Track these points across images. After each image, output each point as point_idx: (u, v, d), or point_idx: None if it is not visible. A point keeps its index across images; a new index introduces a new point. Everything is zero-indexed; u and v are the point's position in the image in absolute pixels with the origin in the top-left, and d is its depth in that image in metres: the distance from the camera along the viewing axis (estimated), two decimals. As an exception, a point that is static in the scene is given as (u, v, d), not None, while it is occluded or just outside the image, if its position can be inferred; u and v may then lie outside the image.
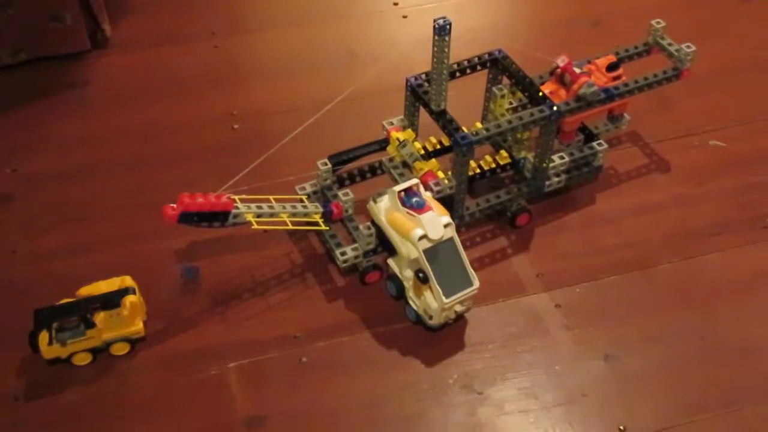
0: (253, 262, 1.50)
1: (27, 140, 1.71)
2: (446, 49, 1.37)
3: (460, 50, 1.54)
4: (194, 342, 1.39)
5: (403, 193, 1.35)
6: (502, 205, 1.53)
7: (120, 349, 1.36)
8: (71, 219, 1.57)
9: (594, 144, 1.57)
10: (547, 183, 1.55)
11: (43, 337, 1.31)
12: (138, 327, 1.35)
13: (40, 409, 1.31)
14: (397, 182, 1.43)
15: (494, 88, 1.53)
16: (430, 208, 1.34)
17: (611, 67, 1.57)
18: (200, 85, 1.85)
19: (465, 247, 1.51)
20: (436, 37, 1.35)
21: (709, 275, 1.50)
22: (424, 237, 1.32)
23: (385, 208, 1.38)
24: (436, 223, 1.33)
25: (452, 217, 1.46)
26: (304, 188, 1.53)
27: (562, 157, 1.54)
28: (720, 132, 1.73)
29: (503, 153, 1.56)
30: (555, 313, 1.44)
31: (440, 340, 1.40)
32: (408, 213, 1.34)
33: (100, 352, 1.35)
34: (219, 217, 1.34)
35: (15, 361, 1.35)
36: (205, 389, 1.33)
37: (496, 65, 1.54)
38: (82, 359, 1.34)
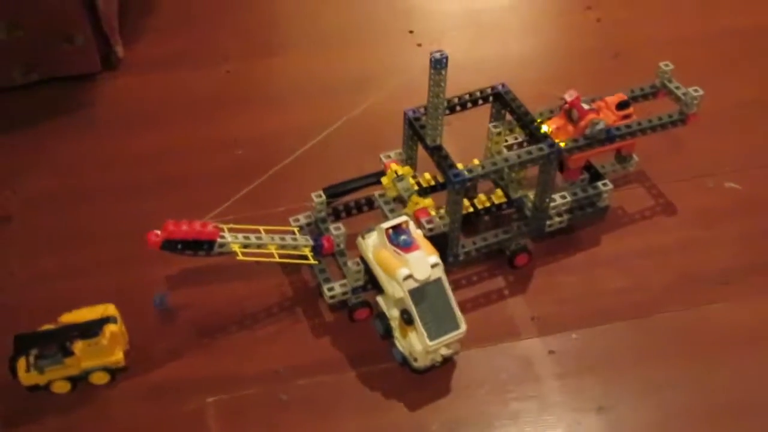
0: (243, 293, 1.48)
1: (29, 161, 1.72)
2: (443, 83, 1.33)
3: (472, 81, 1.51)
4: (176, 373, 1.37)
5: (391, 231, 1.32)
6: (501, 245, 1.49)
7: (100, 379, 1.34)
8: (68, 242, 1.56)
9: (599, 184, 1.51)
10: (548, 223, 1.50)
11: (22, 363, 1.30)
12: (118, 357, 1.33)
13: (17, 436, 1.30)
14: (387, 218, 1.40)
15: (490, 125, 1.49)
16: (417, 247, 1.30)
17: (621, 106, 1.51)
18: (208, 109, 1.84)
19: (460, 286, 1.49)
20: (433, 71, 1.31)
21: (713, 326, 1.43)
22: (410, 277, 1.29)
23: (373, 244, 1.35)
24: (423, 262, 1.29)
25: (446, 256, 1.43)
26: (297, 219, 1.50)
27: (564, 197, 1.49)
28: (736, 174, 1.66)
29: (498, 192, 1.51)
30: (547, 360, 1.39)
31: (426, 383, 1.36)
32: (395, 251, 1.30)
33: (79, 380, 1.34)
34: (204, 245, 1.32)
35: (-3, 386, 1.35)
36: (183, 425, 1.31)
37: (499, 99, 1.50)
38: (61, 387, 1.33)
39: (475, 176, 1.36)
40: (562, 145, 1.44)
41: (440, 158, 1.38)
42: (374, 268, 1.34)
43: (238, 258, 1.33)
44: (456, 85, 1.44)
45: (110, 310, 1.35)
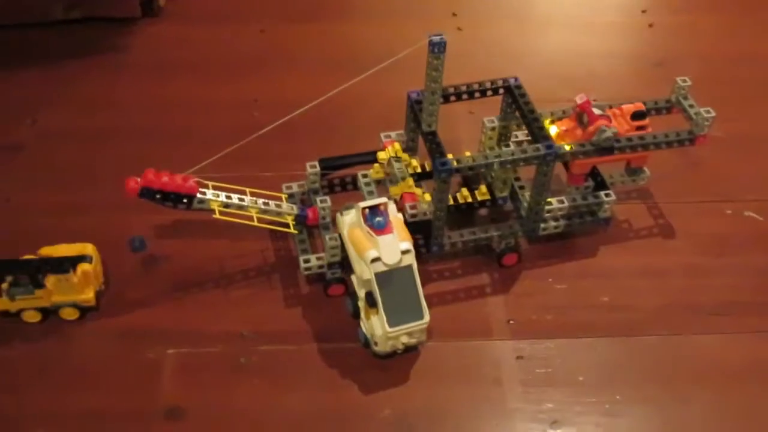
0: (226, 252, 1.48)
1: (55, 95, 1.76)
2: (440, 68, 1.29)
3: (504, 71, 1.47)
4: (143, 321, 1.38)
5: (367, 211, 1.29)
6: (489, 241, 1.45)
7: (69, 314, 1.37)
8: (70, 180, 1.59)
9: (602, 193, 1.45)
10: (543, 226, 1.45)
11: (-6, 288, 1.33)
12: (88, 296, 1.35)
13: (-20, 358, 1.34)
14: (365, 199, 1.37)
15: (485, 119, 1.44)
16: (390, 231, 1.28)
17: (637, 116, 1.45)
18: (236, 67, 1.85)
19: (443, 277, 1.46)
20: (431, 55, 1.28)
21: (696, 357, 1.36)
22: (377, 259, 1.26)
23: (349, 222, 1.33)
24: (394, 247, 1.27)
25: (429, 245, 1.40)
26: (290, 187, 1.50)
27: (561, 201, 1.44)
28: (758, 204, 1.57)
29: (483, 188, 1.47)
30: (515, 365, 1.35)
31: (386, 367, 1.34)
32: (368, 232, 1.28)
33: (50, 313, 1.36)
34: (183, 199, 1.32)
35: (-29, 306, 1.38)
36: (138, 371, 1.32)
37: (510, 93, 1.45)
38: (31, 317, 1.36)
39: (463, 168, 1.32)
40: (568, 147, 1.39)
41: (432, 144, 1.35)
42: (347, 245, 1.32)
43: (214, 216, 1.33)
44: (488, 73, 1.42)
45: (88, 249, 1.37)
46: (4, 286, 1.32)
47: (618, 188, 1.51)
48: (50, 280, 1.33)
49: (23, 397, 1.29)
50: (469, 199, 1.47)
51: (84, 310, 1.37)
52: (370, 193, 1.39)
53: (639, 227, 1.54)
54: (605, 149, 1.38)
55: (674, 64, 1.84)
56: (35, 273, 1.32)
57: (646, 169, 1.50)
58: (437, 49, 1.26)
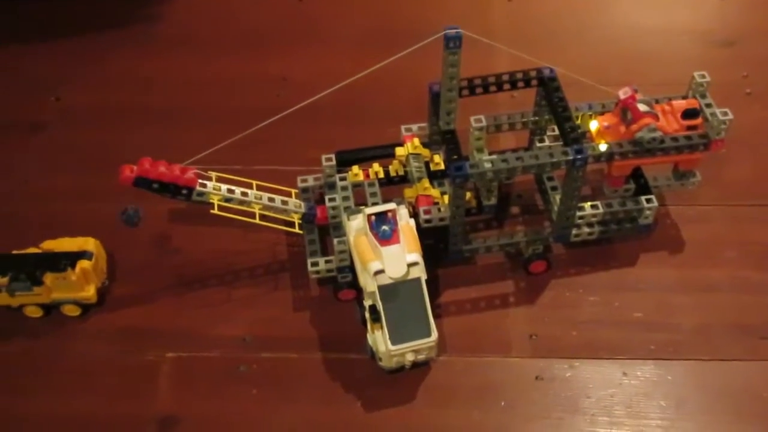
0: (236, 246, 1.40)
1: (81, 70, 1.70)
2: (457, 64, 1.17)
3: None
4: (145, 320, 1.33)
5: (373, 218, 1.20)
6: (516, 247, 1.33)
7: (70, 311, 1.33)
8: (90, 162, 1.54)
9: (642, 199, 1.31)
10: (575, 232, 1.32)
11: (-5, 283, 1.30)
12: (88, 293, 1.31)
13: (-19, 352, 1.32)
14: (366, 201, 1.27)
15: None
16: (397, 241, 1.18)
17: (689, 114, 1.29)
18: (269, 41, 1.75)
19: (463, 282, 1.36)
20: (446, 50, 1.16)
21: (743, 389, 1.22)
22: (381, 272, 1.17)
23: (356, 227, 1.23)
24: (399, 260, 1.17)
25: (448, 252, 1.30)
26: (306, 180, 1.41)
27: (595, 206, 1.31)
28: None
29: (468, 194, 1.34)
30: (531, 387, 1.24)
31: (391, 383, 1.25)
32: (373, 241, 1.19)
33: (52, 308, 1.33)
34: (182, 191, 1.24)
35: (-24, 298, 1.36)
36: (135, 374, 1.27)
37: (543, 86, 1.31)
38: (33, 312, 1.32)
39: (481, 172, 1.20)
40: (602, 148, 1.25)
41: (449, 144, 1.24)
42: (353, 253, 1.23)
43: (212, 212, 1.26)
44: (537, 50, 1.30)
45: (89, 244, 1.33)
46: (4, 281, 1.29)
47: (662, 193, 1.36)
48: (48, 278, 1.28)
49: (18, 396, 1.26)
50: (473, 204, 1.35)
51: (86, 307, 1.33)
52: (373, 194, 1.29)
53: (685, 234, 1.39)
54: (608, 156, 1.24)
55: (746, 44, 1.66)
56: (33, 270, 1.28)
57: (697, 172, 1.34)
58: (453, 43, 1.14)
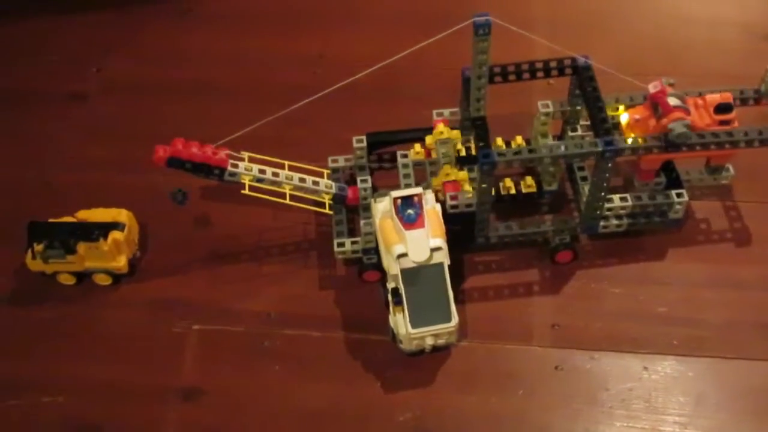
0: (268, 222, 1.42)
1: (122, 41, 1.73)
2: (487, 50, 1.17)
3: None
4: (175, 292, 1.36)
5: (400, 201, 1.20)
6: (543, 236, 1.33)
7: (102, 280, 1.36)
8: (128, 135, 1.57)
9: (673, 193, 1.30)
10: (603, 224, 1.32)
11: (30, 250, 1.34)
12: (120, 264, 1.34)
13: (20, 317, 1.35)
14: (400, 184, 1.28)
15: (539, 103, 1.29)
16: (421, 226, 1.18)
17: (721, 109, 1.27)
18: (306, 18, 1.76)
19: (488, 269, 1.37)
20: (475, 37, 1.15)
21: (761, 387, 1.21)
22: (404, 255, 1.18)
23: (382, 210, 1.24)
24: (422, 244, 1.18)
25: (474, 239, 1.30)
26: (336, 161, 1.42)
27: (624, 199, 1.30)
28: None
29: (528, 179, 1.34)
30: (551, 377, 1.24)
31: (411, 366, 1.26)
32: (398, 225, 1.19)
33: (85, 276, 1.36)
34: (215, 170, 1.26)
35: (15, 263, 1.39)
36: (163, 345, 1.30)
37: (578, 75, 1.30)
38: (66, 279, 1.36)
39: (508, 160, 1.20)
40: (631, 141, 1.24)
41: (478, 131, 1.23)
42: (378, 235, 1.24)
43: (242, 192, 1.27)
44: (573, 38, 1.32)
45: (122, 215, 1.35)
46: (39, 248, 1.32)
47: (694, 186, 1.35)
48: (81, 247, 1.32)
49: (50, 361, 1.30)
50: (513, 191, 1.35)
51: (117, 277, 1.36)
52: (406, 176, 1.29)
53: (715, 229, 1.38)
54: (675, 146, 1.22)
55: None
56: (67, 239, 1.31)
57: (730, 167, 1.33)
58: (482, 30, 1.13)
